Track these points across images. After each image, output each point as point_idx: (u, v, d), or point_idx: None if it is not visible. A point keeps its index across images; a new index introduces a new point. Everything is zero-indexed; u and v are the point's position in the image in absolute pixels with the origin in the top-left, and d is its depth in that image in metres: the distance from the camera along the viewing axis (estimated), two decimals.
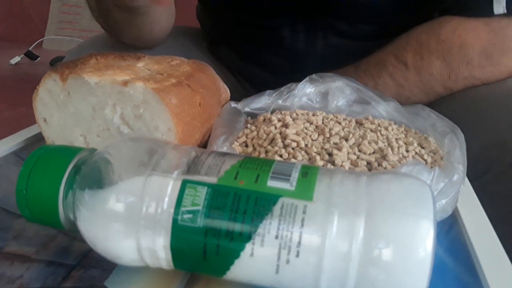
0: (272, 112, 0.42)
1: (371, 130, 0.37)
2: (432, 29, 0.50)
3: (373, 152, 0.33)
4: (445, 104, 0.50)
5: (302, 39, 0.59)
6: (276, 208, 0.21)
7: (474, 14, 0.47)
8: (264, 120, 0.39)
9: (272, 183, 0.22)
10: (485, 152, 0.42)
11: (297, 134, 0.35)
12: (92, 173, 0.24)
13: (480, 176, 0.41)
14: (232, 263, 0.22)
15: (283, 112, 0.40)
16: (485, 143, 0.42)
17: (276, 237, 0.21)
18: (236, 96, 0.48)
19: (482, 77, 0.48)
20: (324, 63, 0.59)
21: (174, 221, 0.22)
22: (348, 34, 0.58)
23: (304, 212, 0.21)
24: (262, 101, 0.42)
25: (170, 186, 0.22)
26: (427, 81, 0.50)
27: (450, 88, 0.50)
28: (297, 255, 0.21)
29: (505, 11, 0.46)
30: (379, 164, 0.32)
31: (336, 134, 0.35)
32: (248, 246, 0.21)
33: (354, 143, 0.34)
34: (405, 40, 0.51)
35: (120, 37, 0.58)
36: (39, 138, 0.43)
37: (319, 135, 0.35)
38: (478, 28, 0.47)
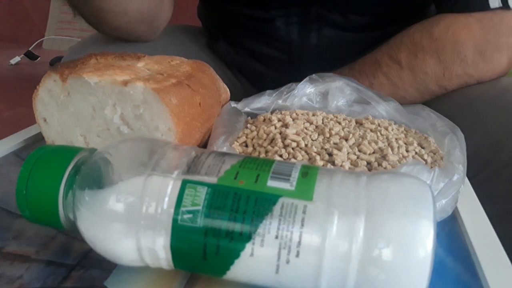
0: (272, 112, 0.42)
1: (371, 130, 0.37)
2: (426, 27, 0.50)
3: (373, 152, 0.33)
4: (439, 104, 0.50)
5: (296, 31, 0.59)
6: (276, 208, 0.21)
7: (470, 9, 0.47)
8: (264, 120, 0.39)
9: (272, 183, 0.22)
10: (479, 152, 0.42)
11: (297, 134, 0.35)
12: (92, 173, 0.24)
13: (475, 175, 0.42)
14: (232, 263, 0.22)
15: (283, 112, 0.40)
16: (479, 143, 0.43)
17: (276, 237, 0.21)
18: (234, 92, 0.47)
19: (476, 75, 0.49)
20: (319, 55, 0.59)
21: (174, 221, 0.22)
22: (342, 25, 0.58)
23: (304, 212, 0.21)
24: (262, 101, 0.42)
25: (170, 186, 0.22)
26: (422, 80, 0.50)
27: (444, 87, 0.50)
28: (297, 255, 0.21)
29: (501, 5, 0.46)
30: (379, 164, 0.32)
31: (336, 134, 0.35)
32: (248, 246, 0.21)
33: (354, 143, 0.34)
34: (399, 39, 0.51)
35: (102, 29, 0.58)
36: (39, 138, 0.43)
37: (319, 135, 0.35)
38: (471, 24, 0.47)
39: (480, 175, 0.42)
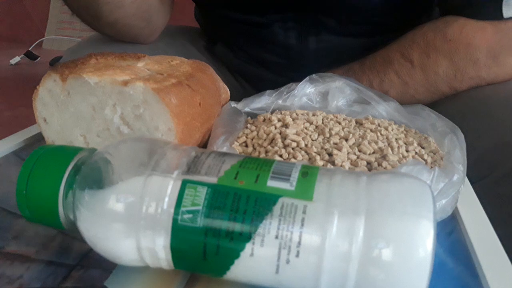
0: (272, 112, 0.42)
1: (371, 130, 0.37)
2: (439, 27, 0.49)
3: (373, 152, 0.33)
4: (449, 104, 0.50)
5: (294, 36, 0.59)
6: (276, 208, 0.21)
7: (482, 17, 0.47)
8: (264, 120, 0.39)
9: (272, 183, 0.22)
10: (489, 154, 0.42)
11: (297, 134, 0.35)
12: (92, 173, 0.24)
13: (484, 177, 0.41)
14: (232, 263, 0.22)
15: (283, 112, 0.40)
16: (490, 144, 0.42)
17: (276, 237, 0.21)
18: (234, 94, 0.47)
19: (488, 78, 0.48)
20: (318, 59, 0.59)
21: (174, 221, 0.22)
22: (340, 31, 0.58)
23: (304, 212, 0.21)
24: (262, 101, 0.42)
25: (170, 186, 0.22)
26: (433, 80, 0.50)
27: (455, 88, 0.50)
28: (297, 255, 0.21)
29: None
30: (379, 164, 0.32)
31: (336, 134, 0.35)
32: (248, 246, 0.21)
33: (354, 143, 0.34)
34: (411, 37, 0.51)
35: (99, 26, 0.57)
36: (39, 138, 0.43)
37: (319, 135, 0.35)
38: (485, 28, 0.47)
39: (490, 177, 0.41)
